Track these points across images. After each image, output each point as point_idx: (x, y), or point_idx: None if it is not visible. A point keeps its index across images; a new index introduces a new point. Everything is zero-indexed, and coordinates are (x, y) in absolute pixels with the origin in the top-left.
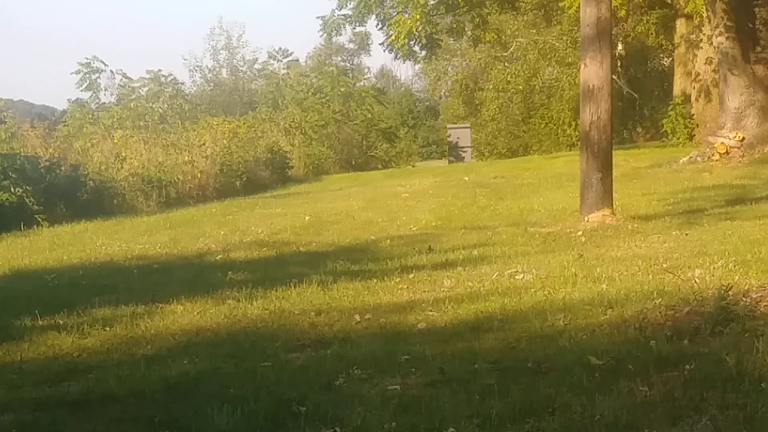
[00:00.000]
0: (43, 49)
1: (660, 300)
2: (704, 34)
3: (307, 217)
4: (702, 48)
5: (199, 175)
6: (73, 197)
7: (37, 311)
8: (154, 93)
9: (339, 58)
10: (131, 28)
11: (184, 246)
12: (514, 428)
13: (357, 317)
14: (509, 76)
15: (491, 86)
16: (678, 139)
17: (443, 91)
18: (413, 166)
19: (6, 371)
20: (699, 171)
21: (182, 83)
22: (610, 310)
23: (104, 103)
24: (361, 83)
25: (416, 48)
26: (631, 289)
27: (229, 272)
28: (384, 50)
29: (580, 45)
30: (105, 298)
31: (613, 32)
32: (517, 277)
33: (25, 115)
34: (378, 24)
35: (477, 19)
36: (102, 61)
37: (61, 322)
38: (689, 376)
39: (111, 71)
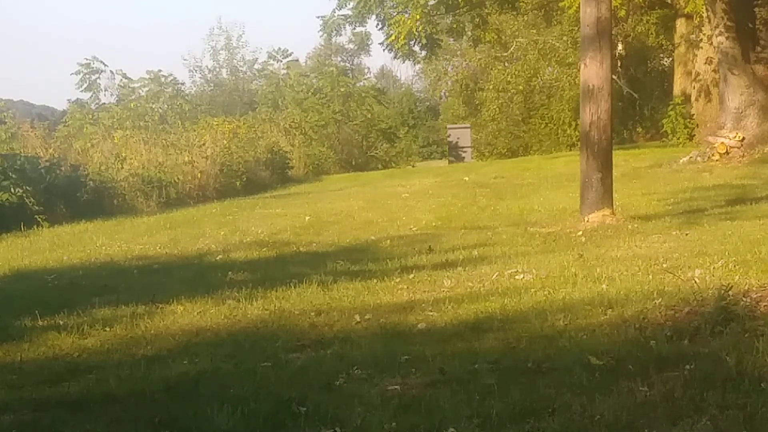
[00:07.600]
0: (44, 49)
1: (660, 300)
2: (704, 34)
3: (307, 218)
4: (702, 48)
5: (199, 175)
6: (73, 197)
7: (37, 311)
8: (154, 93)
9: (339, 58)
10: (131, 28)
11: (184, 246)
12: (514, 428)
13: (357, 317)
14: (509, 76)
15: (491, 86)
16: (678, 139)
17: (443, 91)
18: (413, 167)
19: (6, 371)
20: (699, 171)
21: (182, 83)
22: (610, 310)
23: (104, 103)
24: (361, 83)
25: (416, 48)
26: (631, 289)
27: (229, 272)
28: (384, 50)
29: (580, 45)
30: (105, 298)
31: (613, 32)
32: (517, 277)
33: (25, 115)
34: (378, 24)
35: (477, 19)
36: (102, 62)
37: (61, 322)
38: (689, 376)
39: (111, 72)
